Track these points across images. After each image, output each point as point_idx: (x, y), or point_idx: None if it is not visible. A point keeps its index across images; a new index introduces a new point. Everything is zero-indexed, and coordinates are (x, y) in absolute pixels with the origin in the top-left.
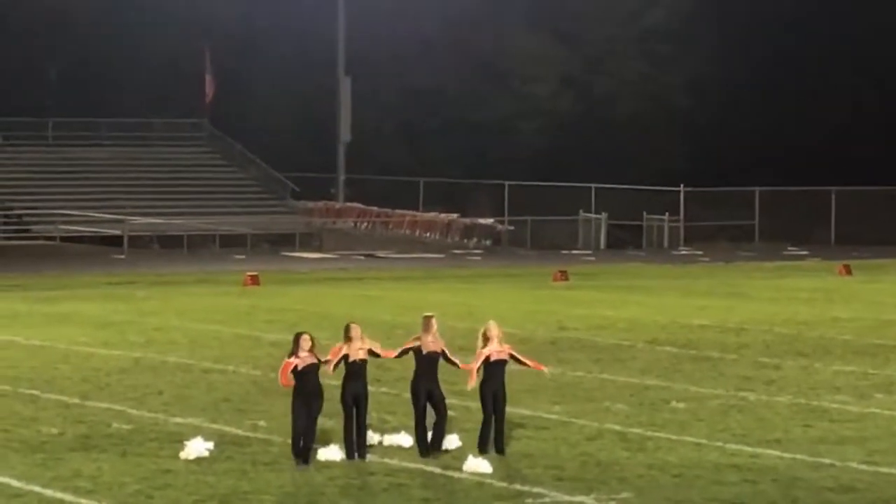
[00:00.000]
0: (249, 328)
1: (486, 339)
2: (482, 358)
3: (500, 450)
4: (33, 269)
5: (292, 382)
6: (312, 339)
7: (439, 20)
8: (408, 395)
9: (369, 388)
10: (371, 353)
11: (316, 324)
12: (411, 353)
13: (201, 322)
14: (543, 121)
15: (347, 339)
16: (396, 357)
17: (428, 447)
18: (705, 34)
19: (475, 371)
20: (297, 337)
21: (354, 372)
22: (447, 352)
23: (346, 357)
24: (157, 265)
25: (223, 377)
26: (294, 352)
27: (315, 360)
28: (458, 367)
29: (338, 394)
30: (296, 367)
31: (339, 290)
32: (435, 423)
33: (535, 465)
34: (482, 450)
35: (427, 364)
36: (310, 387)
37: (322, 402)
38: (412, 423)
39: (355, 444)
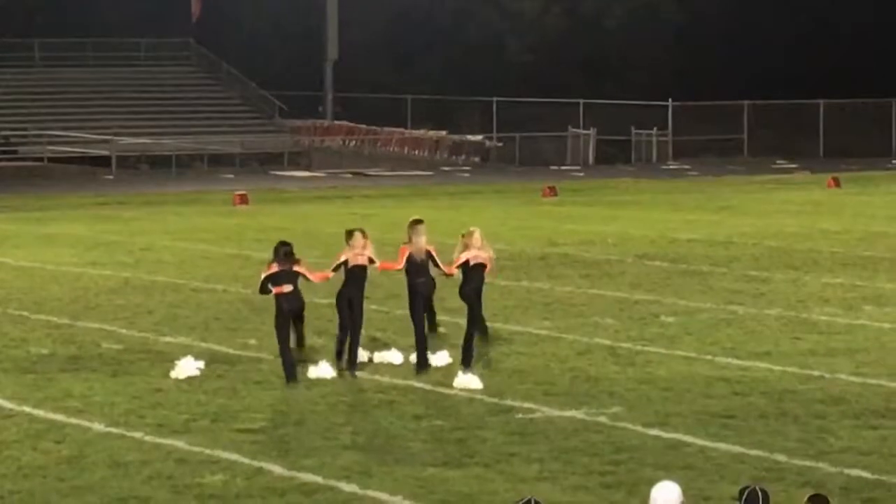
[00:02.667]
0: (239, 247)
1: (466, 246)
2: (460, 262)
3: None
4: (21, 191)
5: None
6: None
7: None
8: (399, 311)
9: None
10: (371, 260)
11: (306, 242)
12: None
13: (190, 241)
14: (531, 36)
15: (349, 244)
16: (400, 268)
17: (426, 362)
18: None
19: (454, 268)
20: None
21: (353, 278)
22: (434, 254)
23: (345, 262)
24: (146, 185)
25: (213, 296)
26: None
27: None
28: (442, 271)
29: (326, 312)
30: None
31: (328, 208)
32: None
33: (526, 380)
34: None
35: (418, 266)
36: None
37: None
38: (402, 341)
39: (347, 358)
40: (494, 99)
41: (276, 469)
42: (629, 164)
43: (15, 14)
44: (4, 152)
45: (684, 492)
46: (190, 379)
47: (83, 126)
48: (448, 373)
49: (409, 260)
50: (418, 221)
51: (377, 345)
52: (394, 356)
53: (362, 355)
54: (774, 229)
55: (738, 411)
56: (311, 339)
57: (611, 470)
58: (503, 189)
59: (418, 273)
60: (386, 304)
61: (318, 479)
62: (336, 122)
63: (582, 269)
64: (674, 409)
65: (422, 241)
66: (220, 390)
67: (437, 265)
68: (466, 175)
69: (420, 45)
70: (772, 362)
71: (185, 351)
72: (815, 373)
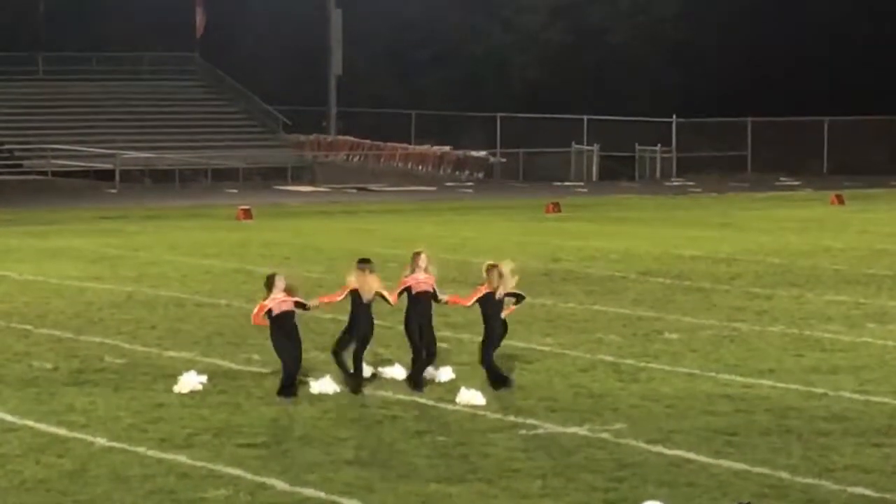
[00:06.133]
0: (242, 262)
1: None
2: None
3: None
4: (25, 204)
5: (265, 323)
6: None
7: None
8: (401, 327)
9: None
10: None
11: (309, 257)
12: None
13: (194, 256)
14: (535, 52)
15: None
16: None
17: (421, 383)
18: None
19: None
20: (271, 278)
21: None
22: (436, 289)
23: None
24: (149, 199)
25: (216, 311)
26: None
27: (291, 307)
28: (447, 302)
29: (329, 327)
30: (270, 310)
31: (332, 223)
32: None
33: (529, 396)
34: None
35: (418, 302)
36: (287, 328)
37: (300, 344)
38: (406, 357)
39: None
40: (498, 114)
41: (279, 484)
42: (633, 181)
43: (20, 28)
44: (9, 166)
45: None
46: (193, 394)
47: (87, 140)
48: (451, 388)
49: (408, 293)
50: (418, 253)
51: (380, 360)
52: (397, 371)
53: (366, 370)
54: (777, 246)
55: (741, 428)
56: (313, 355)
57: (613, 486)
58: (506, 205)
59: (416, 309)
60: (388, 320)
61: (321, 495)
62: (340, 137)
63: (585, 286)
64: (677, 426)
65: (419, 276)
66: (223, 405)
67: (438, 300)
68: (470, 191)
69: (424, 60)
70: (775, 379)
71: (187, 366)
72: (819, 390)
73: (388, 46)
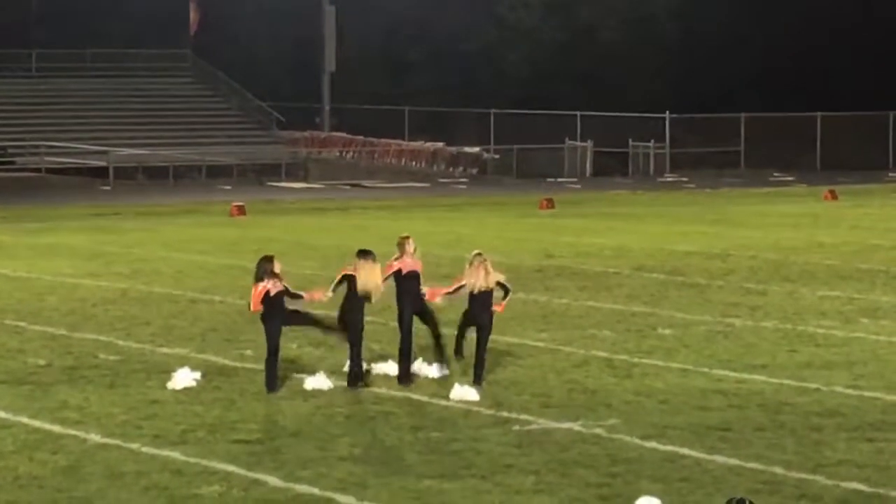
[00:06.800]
0: (236, 258)
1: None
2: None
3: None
4: (19, 202)
5: (261, 308)
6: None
7: None
8: (394, 323)
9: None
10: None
11: (302, 254)
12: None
13: (187, 252)
14: (529, 49)
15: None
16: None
17: (409, 376)
18: None
19: (447, 293)
20: (269, 260)
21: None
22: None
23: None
24: (143, 196)
25: (210, 307)
26: (262, 277)
27: (283, 287)
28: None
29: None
30: (268, 292)
31: (325, 219)
32: (434, 338)
33: (523, 392)
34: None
35: (409, 284)
36: (279, 310)
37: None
38: (398, 352)
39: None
40: (492, 111)
41: (273, 480)
42: (626, 177)
43: (13, 24)
44: (2, 163)
45: None
46: (187, 390)
47: (81, 137)
48: (445, 384)
49: (396, 276)
50: (405, 237)
51: (373, 356)
52: (390, 367)
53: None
54: (771, 242)
55: (734, 424)
56: (307, 350)
57: (607, 482)
58: (500, 201)
59: (407, 291)
60: (381, 316)
61: (315, 491)
62: (333, 134)
63: (579, 282)
64: (670, 422)
65: (407, 260)
66: (217, 401)
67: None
68: (463, 187)
69: (417, 56)
70: (768, 375)
71: (181, 362)
72: (812, 385)
73: (381, 43)
